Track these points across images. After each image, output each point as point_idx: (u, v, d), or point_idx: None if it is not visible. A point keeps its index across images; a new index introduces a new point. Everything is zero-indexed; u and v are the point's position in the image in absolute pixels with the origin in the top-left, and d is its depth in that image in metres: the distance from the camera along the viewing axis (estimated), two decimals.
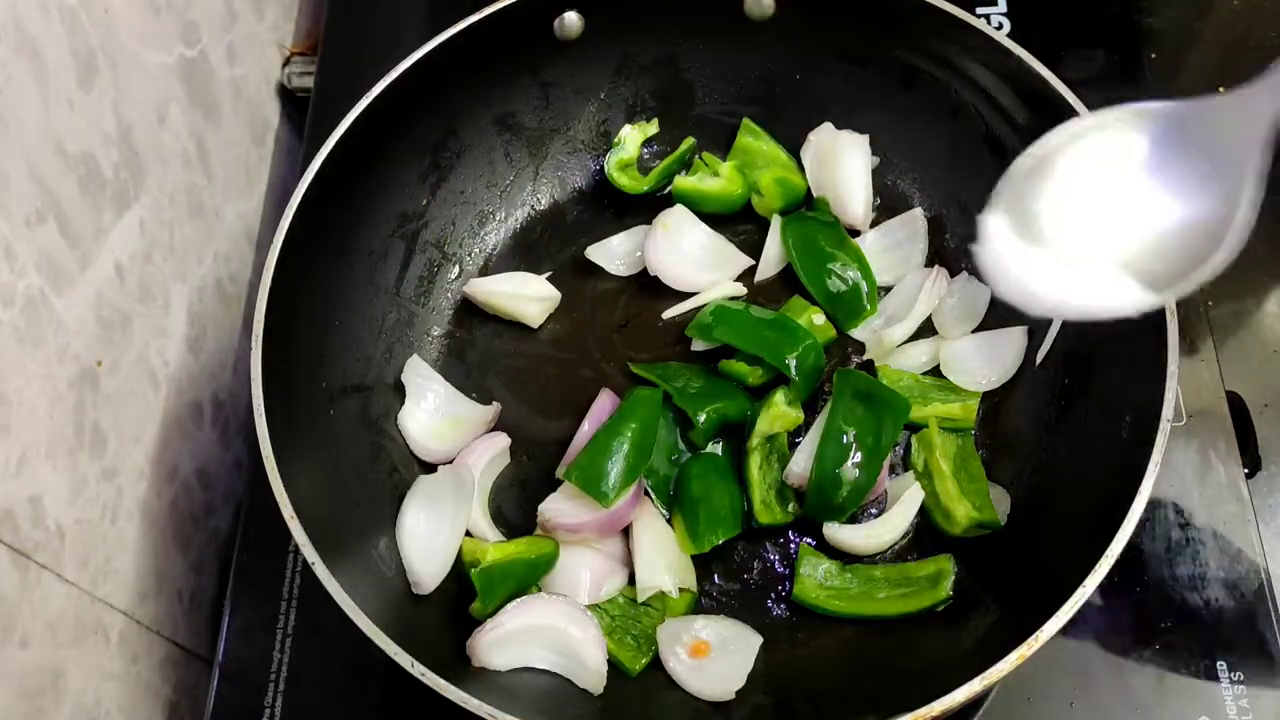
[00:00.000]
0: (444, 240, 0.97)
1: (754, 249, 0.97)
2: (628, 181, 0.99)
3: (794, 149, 0.99)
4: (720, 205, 0.97)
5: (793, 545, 0.85)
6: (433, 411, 0.90)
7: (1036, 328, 0.89)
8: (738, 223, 0.98)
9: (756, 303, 0.93)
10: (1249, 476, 0.88)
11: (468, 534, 0.84)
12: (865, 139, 0.96)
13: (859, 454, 0.82)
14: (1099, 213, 0.64)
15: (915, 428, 0.87)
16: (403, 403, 0.90)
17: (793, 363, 0.86)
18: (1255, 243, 0.99)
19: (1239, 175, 0.60)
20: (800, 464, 0.83)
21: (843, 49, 0.94)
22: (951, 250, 0.95)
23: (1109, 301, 0.64)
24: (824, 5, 0.92)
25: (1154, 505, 0.78)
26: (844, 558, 0.83)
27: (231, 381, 1.02)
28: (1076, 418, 0.83)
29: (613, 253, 0.98)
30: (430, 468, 0.88)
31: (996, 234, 0.65)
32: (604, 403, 0.88)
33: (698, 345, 0.92)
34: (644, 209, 0.99)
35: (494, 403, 0.91)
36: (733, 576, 0.84)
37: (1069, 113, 0.81)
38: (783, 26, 0.95)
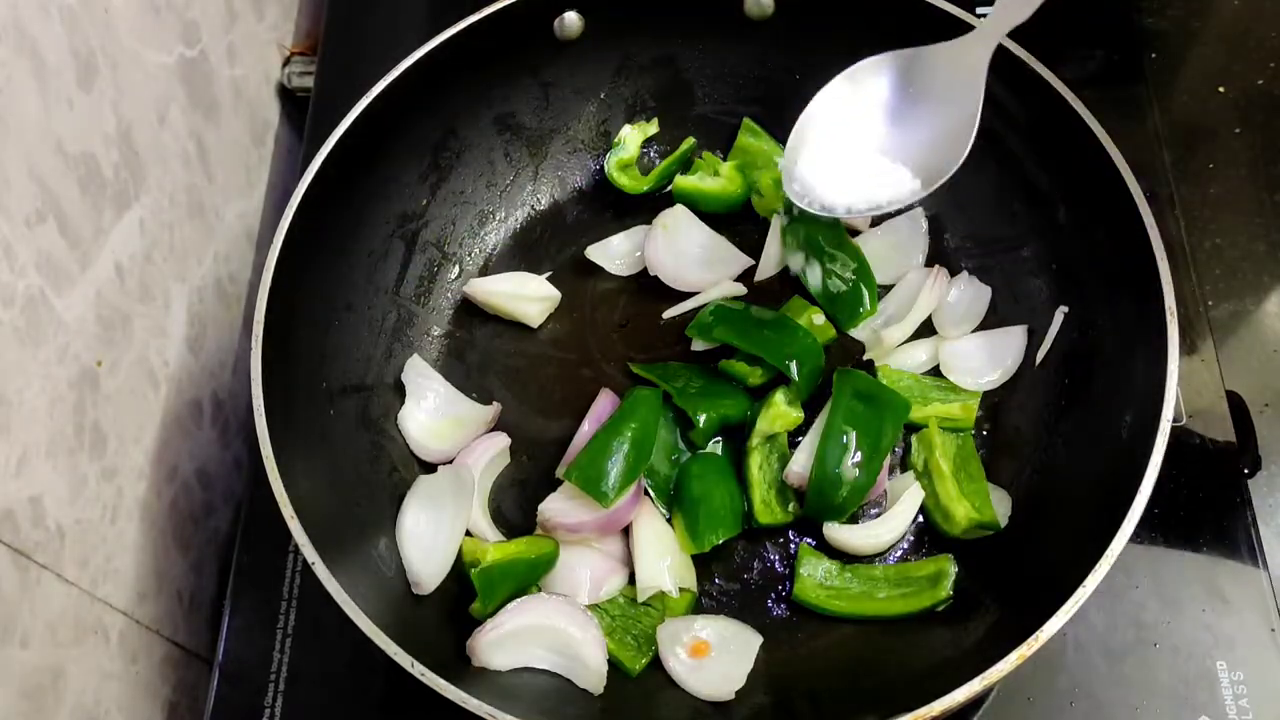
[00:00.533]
0: (444, 240, 0.97)
1: (754, 249, 0.97)
2: (628, 181, 0.99)
3: None
4: (720, 205, 0.97)
5: (793, 545, 0.85)
6: (433, 411, 0.90)
7: (1037, 327, 0.89)
8: (738, 223, 0.98)
9: (756, 303, 0.93)
10: (1249, 476, 0.88)
11: (468, 534, 0.84)
12: None
13: (859, 454, 0.82)
14: (869, 136, 0.85)
15: (915, 428, 0.87)
16: (403, 403, 0.90)
17: (793, 363, 0.86)
18: (1255, 243, 1.00)
19: (970, 98, 0.80)
20: (800, 464, 0.83)
21: (843, 49, 0.94)
22: (951, 250, 0.95)
23: (880, 199, 0.85)
24: (824, 5, 0.92)
25: (1154, 505, 0.78)
26: (844, 558, 0.83)
27: (231, 381, 1.02)
28: (1076, 418, 0.83)
29: (613, 253, 0.98)
30: (430, 468, 0.88)
31: (794, 162, 0.86)
32: (604, 403, 0.88)
33: (698, 345, 0.92)
34: (644, 209, 0.99)
35: (494, 403, 0.91)
36: (733, 576, 0.84)
37: (1069, 113, 0.82)
38: (783, 26, 0.95)
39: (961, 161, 0.80)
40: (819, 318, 0.91)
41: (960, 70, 0.80)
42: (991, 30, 0.78)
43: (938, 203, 0.96)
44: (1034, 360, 0.88)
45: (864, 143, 0.85)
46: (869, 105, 0.85)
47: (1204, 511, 0.87)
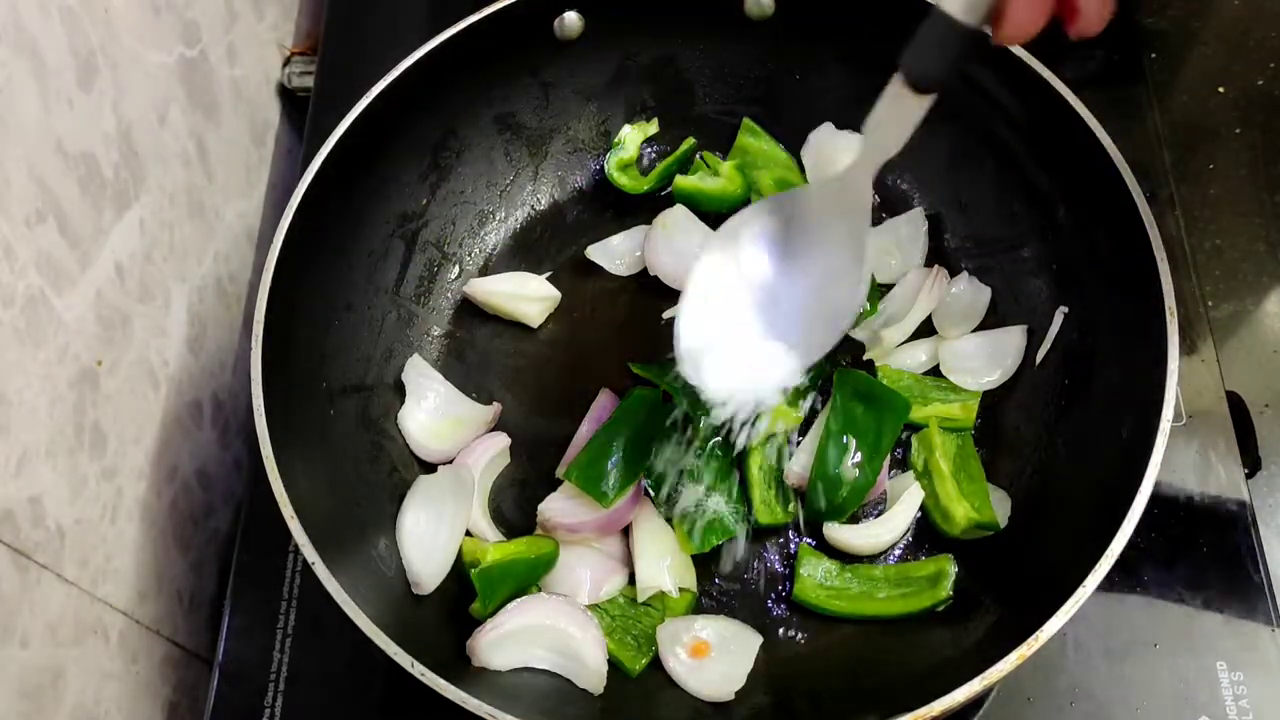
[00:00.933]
0: (444, 240, 0.97)
1: None
2: (628, 181, 0.99)
3: (794, 149, 0.99)
4: (720, 205, 0.97)
5: (793, 545, 0.85)
6: (433, 411, 0.90)
7: (1037, 327, 0.89)
8: None
9: None
10: (1249, 476, 0.88)
11: (468, 534, 0.84)
12: None
13: (859, 454, 0.82)
14: (754, 296, 0.75)
15: (915, 428, 0.87)
16: (403, 403, 0.90)
17: None
18: (1255, 243, 1.00)
19: (856, 235, 0.71)
20: (800, 464, 0.83)
21: (842, 49, 0.94)
22: (951, 250, 0.95)
23: (783, 374, 0.74)
24: (824, 5, 0.92)
25: (1154, 505, 0.78)
26: (844, 558, 0.83)
27: (231, 381, 1.02)
28: (1076, 418, 0.83)
29: (613, 253, 0.98)
30: (430, 468, 0.88)
31: (686, 338, 0.75)
32: (604, 403, 0.88)
33: None
34: (644, 209, 0.99)
35: (494, 403, 0.91)
36: (733, 576, 0.84)
37: (1069, 113, 0.81)
38: (783, 26, 0.95)
39: (859, 309, 0.73)
40: None
41: (842, 207, 0.72)
42: (866, 163, 0.70)
43: (938, 203, 0.97)
44: (1034, 360, 0.88)
45: (750, 304, 0.76)
46: (751, 260, 0.76)
47: (1204, 511, 0.87)
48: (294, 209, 0.81)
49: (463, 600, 0.80)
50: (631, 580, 0.82)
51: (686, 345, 0.75)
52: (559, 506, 0.82)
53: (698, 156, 1.01)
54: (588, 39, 0.95)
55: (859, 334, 0.92)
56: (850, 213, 0.72)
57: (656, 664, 0.79)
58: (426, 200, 0.95)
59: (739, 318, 0.75)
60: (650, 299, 0.95)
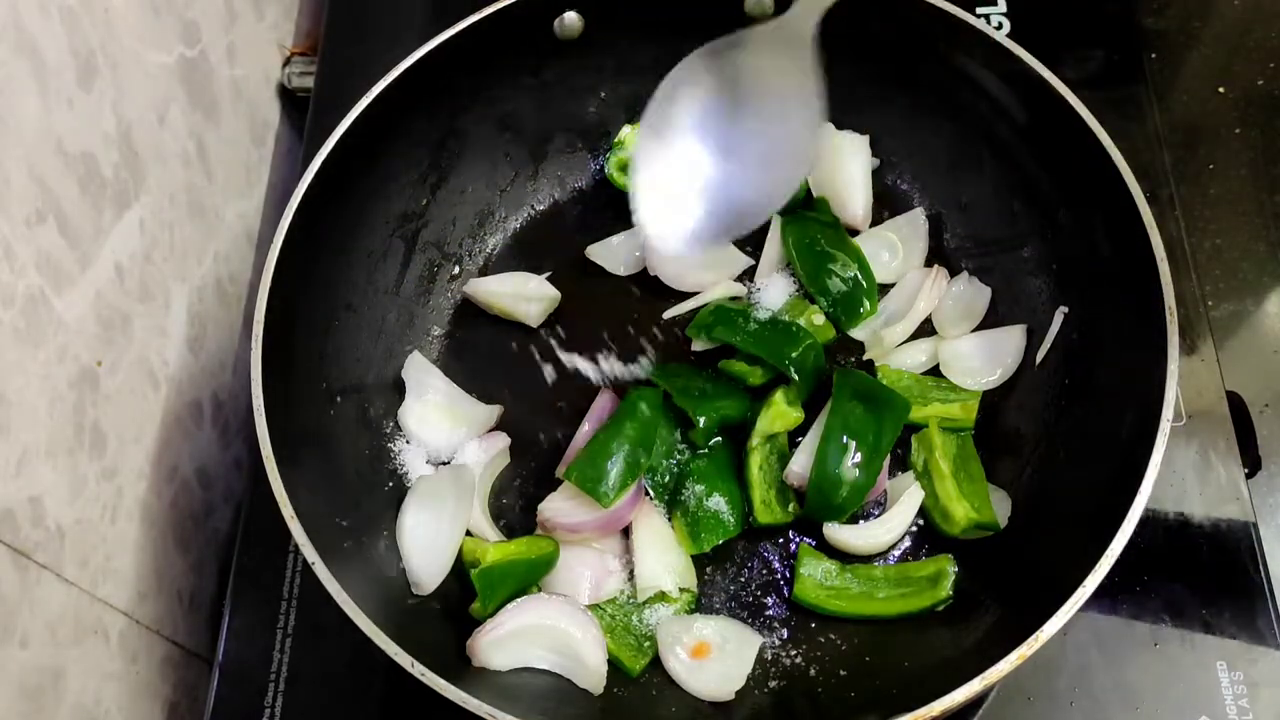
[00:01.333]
0: (444, 240, 0.97)
1: (754, 249, 0.97)
2: (628, 181, 0.99)
3: None
4: None
5: (793, 545, 0.85)
6: (433, 410, 0.90)
7: (1036, 327, 0.89)
8: None
9: (756, 304, 0.93)
10: (1249, 476, 0.88)
11: (468, 534, 0.84)
12: (865, 139, 0.96)
13: (859, 454, 0.82)
14: (717, 155, 0.74)
15: (915, 428, 0.87)
16: (402, 402, 0.90)
17: (793, 363, 0.86)
18: (1255, 243, 1.00)
19: (806, 73, 0.71)
20: (800, 464, 0.83)
21: (844, 49, 0.94)
22: (951, 250, 0.95)
23: (750, 222, 0.74)
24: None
25: (1154, 505, 0.78)
26: (844, 558, 0.83)
27: (231, 381, 1.02)
28: (1076, 418, 0.83)
29: (613, 253, 0.97)
30: (430, 467, 0.88)
31: (645, 199, 0.74)
32: (604, 403, 0.88)
33: (698, 345, 0.92)
34: None
35: (494, 403, 0.91)
36: (733, 576, 0.84)
37: (1069, 113, 0.82)
38: None
39: (815, 144, 0.74)
40: (819, 318, 0.91)
41: (787, 48, 0.71)
42: (811, 5, 0.71)
43: (938, 203, 0.96)
44: (1034, 360, 0.88)
45: (704, 161, 0.75)
46: (698, 118, 0.75)
47: (1203, 511, 0.87)
48: (294, 209, 0.81)
49: (463, 600, 0.80)
50: (631, 580, 0.82)
51: (647, 215, 0.74)
52: (559, 506, 0.82)
53: None
54: (588, 39, 0.95)
55: (859, 334, 0.93)
56: (796, 51, 0.71)
57: (656, 664, 0.79)
58: (426, 200, 0.95)
59: (695, 176, 0.74)
60: (650, 299, 0.95)
